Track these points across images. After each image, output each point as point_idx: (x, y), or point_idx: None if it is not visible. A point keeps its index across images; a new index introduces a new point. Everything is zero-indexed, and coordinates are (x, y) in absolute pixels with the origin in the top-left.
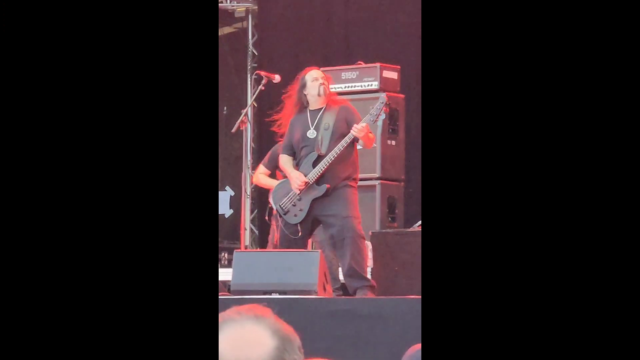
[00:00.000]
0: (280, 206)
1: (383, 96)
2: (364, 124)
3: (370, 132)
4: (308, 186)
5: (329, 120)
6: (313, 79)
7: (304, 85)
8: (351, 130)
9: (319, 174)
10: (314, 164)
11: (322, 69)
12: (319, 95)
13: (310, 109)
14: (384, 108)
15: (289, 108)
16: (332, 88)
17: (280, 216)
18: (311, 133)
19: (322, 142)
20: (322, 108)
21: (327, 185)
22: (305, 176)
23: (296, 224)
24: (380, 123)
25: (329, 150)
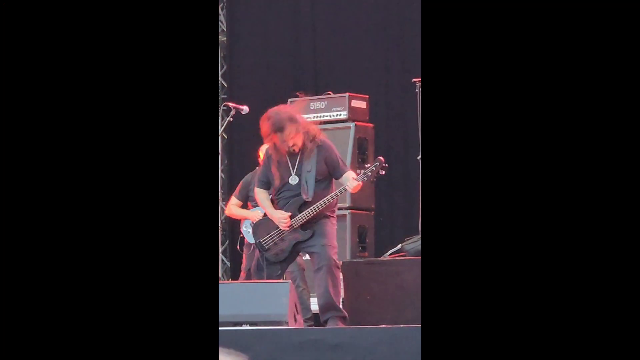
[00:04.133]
0: (260, 242)
1: (380, 160)
2: (359, 182)
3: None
4: (292, 229)
5: (310, 162)
6: (283, 139)
7: (276, 132)
8: (346, 186)
9: (305, 219)
10: (300, 209)
11: (290, 99)
12: (289, 148)
13: (288, 148)
14: (381, 171)
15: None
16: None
17: (260, 251)
18: (293, 179)
19: (308, 187)
20: (299, 152)
21: (311, 232)
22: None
23: (276, 263)
24: (349, 151)
25: (315, 195)
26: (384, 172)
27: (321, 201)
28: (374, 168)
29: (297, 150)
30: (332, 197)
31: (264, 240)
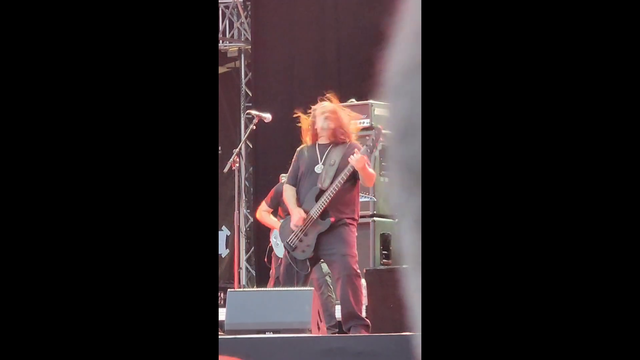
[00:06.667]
0: (287, 243)
1: (379, 127)
2: (360, 155)
3: (370, 167)
4: (312, 221)
5: (335, 157)
6: (320, 112)
7: (314, 118)
8: (349, 159)
9: (322, 208)
10: (317, 198)
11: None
12: (322, 128)
13: (320, 142)
14: (381, 138)
15: (305, 127)
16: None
17: (289, 252)
18: (319, 168)
19: (325, 177)
20: (330, 143)
21: (331, 219)
22: (309, 211)
23: (305, 260)
24: (377, 154)
25: (338, 191)
26: (383, 139)
27: (333, 185)
28: (374, 137)
29: (328, 120)
30: (342, 178)
31: (290, 240)
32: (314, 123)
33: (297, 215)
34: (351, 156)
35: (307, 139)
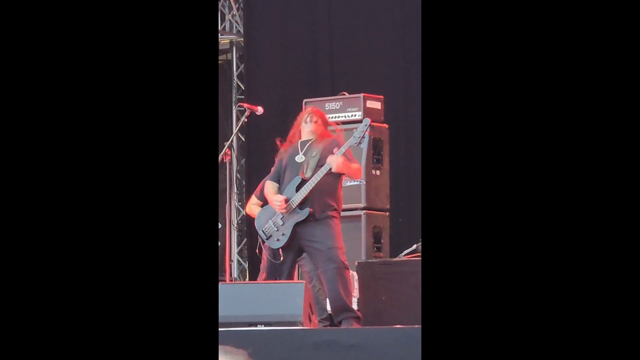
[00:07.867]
0: (263, 231)
1: (367, 120)
2: (340, 154)
3: (356, 163)
4: (290, 210)
5: (316, 149)
6: (304, 116)
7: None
8: (327, 159)
9: (303, 197)
10: (298, 188)
11: (305, 100)
12: (305, 122)
13: (301, 139)
14: (368, 131)
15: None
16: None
17: (263, 242)
18: (299, 157)
19: (308, 167)
20: (311, 139)
21: (309, 209)
22: (289, 200)
23: (278, 249)
24: (364, 146)
25: (320, 184)
26: (371, 133)
27: (315, 176)
28: (362, 129)
29: (310, 117)
30: (322, 172)
31: (265, 229)
32: (299, 124)
33: (276, 200)
34: (330, 156)
35: (290, 140)
